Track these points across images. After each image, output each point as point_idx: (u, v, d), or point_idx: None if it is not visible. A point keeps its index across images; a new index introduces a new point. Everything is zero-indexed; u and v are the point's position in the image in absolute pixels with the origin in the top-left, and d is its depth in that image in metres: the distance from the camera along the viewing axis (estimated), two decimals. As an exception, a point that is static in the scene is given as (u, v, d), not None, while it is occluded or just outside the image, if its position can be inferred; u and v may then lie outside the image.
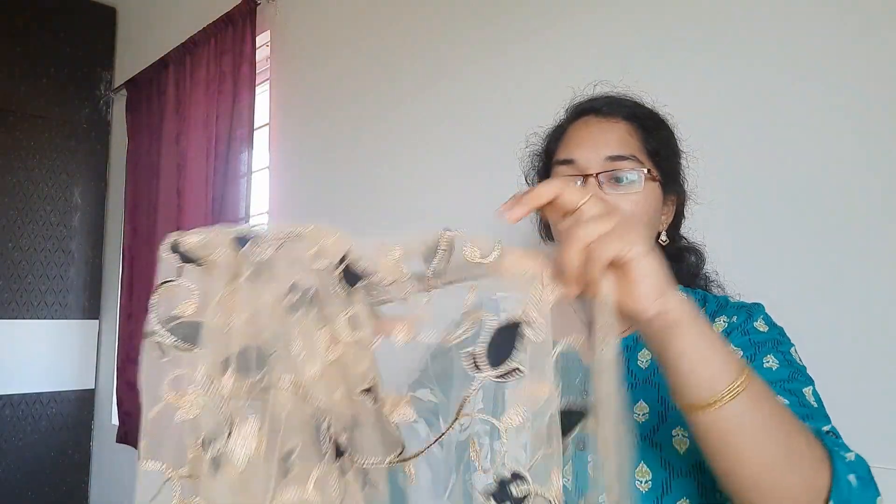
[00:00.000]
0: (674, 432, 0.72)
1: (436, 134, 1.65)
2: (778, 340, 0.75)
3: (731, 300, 0.84)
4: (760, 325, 0.77)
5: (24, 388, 2.80)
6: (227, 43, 2.28)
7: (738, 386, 0.50)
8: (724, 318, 0.78)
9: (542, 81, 1.43)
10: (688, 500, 0.68)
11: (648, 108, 0.86)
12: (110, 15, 3.15)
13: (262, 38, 2.26)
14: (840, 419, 0.74)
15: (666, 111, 0.89)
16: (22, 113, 2.84)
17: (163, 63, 2.65)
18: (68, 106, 2.98)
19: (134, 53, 3.00)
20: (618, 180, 0.78)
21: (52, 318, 2.89)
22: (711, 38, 1.18)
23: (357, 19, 1.91)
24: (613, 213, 0.48)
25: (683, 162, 0.89)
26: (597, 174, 0.78)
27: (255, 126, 2.20)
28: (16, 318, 2.79)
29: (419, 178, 1.68)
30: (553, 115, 0.92)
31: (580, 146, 0.81)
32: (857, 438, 0.66)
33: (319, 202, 1.98)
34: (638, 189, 0.78)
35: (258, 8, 2.21)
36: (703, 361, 0.50)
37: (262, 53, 2.27)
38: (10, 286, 2.78)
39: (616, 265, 0.47)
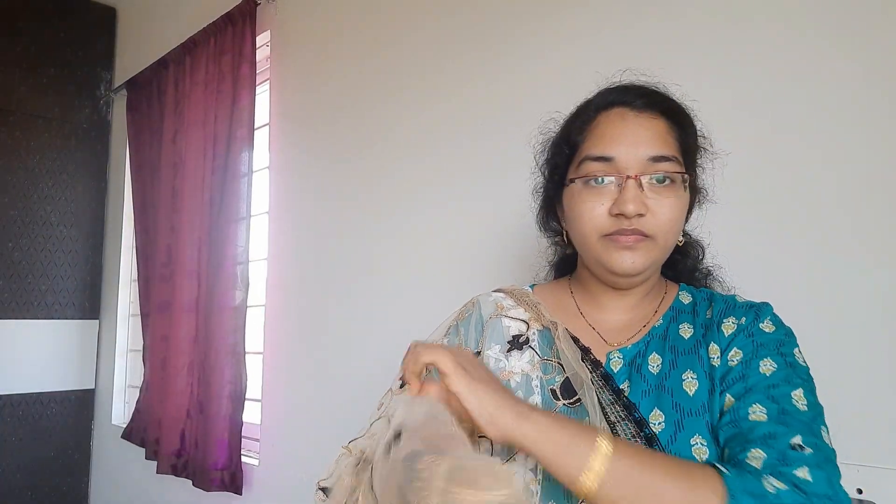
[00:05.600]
0: (692, 441, 0.70)
1: (437, 133, 1.65)
2: (782, 341, 0.74)
3: (739, 299, 0.82)
4: (767, 326, 0.76)
5: (24, 388, 2.80)
6: (226, 43, 2.28)
7: (595, 475, 0.60)
8: (732, 318, 0.77)
9: (551, 79, 1.43)
10: None
11: (679, 103, 0.81)
12: (110, 15, 3.15)
13: (263, 38, 2.26)
14: (842, 419, 0.74)
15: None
16: (22, 113, 2.84)
17: (163, 63, 2.65)
18: (68, 106, 2.98)
19: (134, 53, 3.00)
20: (659, 182, 0.74)
21: (52, 318, 2.89)
22: (723, 35, 1.17)
23: (357, 19, 1.91)
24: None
25: (703, 159, 0.85)
26: (637, 176, 0.74)
27: (256, 126, 2.20)
28: (16, 318, 2.79)
29: (420, 177, 1.68)
30: (560, 114, 0.88)
31: (618, 143, 0.75)
32: (858, 439, 0.67)
33: (319, 202, 1.98)
34: (680, 192, 0.75)
35: (258, 8, 2.21)
36: (554, 466, 0.62)
37: (262, 53, 2.27)
38: (10, 286, 2.78)
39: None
